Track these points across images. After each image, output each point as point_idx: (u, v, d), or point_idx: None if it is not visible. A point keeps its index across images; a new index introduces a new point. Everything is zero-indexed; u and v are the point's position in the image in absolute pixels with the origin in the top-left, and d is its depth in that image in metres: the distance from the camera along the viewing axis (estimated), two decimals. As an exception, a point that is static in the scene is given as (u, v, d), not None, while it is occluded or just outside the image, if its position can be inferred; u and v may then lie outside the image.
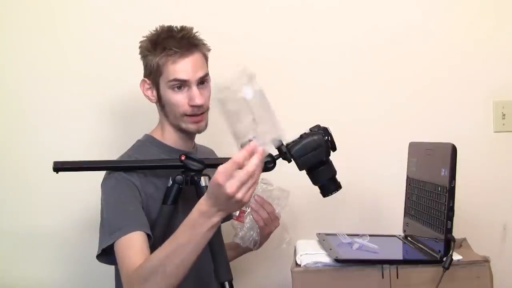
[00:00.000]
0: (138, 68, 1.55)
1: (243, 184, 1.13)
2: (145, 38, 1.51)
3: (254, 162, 1.13)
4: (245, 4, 1.95)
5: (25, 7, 1.85)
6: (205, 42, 1.53)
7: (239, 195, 1.13)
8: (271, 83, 1.93)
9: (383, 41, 1.99)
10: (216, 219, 1.18)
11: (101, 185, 1.46)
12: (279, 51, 1.95)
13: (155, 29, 1.51)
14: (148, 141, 1.55)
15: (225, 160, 1.47)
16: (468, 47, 2.03)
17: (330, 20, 1.99)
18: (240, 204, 1.16)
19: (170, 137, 1.54)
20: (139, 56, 1.53)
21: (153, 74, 1.49)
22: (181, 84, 1.47)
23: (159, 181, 1.47)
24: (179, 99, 1.47)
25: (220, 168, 1.12)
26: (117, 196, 1.42)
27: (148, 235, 1.36)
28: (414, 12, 2.02)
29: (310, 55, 1.96)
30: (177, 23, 1.52)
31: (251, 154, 1.13)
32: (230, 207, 1.17)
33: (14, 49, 1.85)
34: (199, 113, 1.49)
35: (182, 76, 1.46)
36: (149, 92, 1.53)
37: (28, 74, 1.84)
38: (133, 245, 1.32)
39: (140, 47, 1.52)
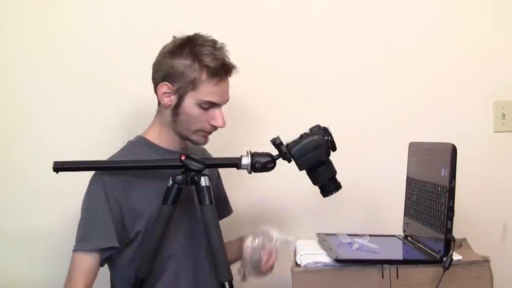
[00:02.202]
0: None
1: None
2: (179, 43, 1.46)
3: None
4: (245, 4, 1.95)
5: (26, 6, 1.84)
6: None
7: None
8: (271, 83, 1.95)
9: (383, 41, 1.99)
10: None
11: (88, 183, 1.47)
12: (279, 51, 1.94)
13: (188, 36, 1.46)
14: (139, 142, 1.54)
15: (223, 159, 1.49)
16: (468, 47, 2.03)
17: (330, 20, 1.99)
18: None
19: (167, 140, 1.53)
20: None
21: (183, 83, 1.44)
22: (210, 106, 1.46)
23: (150, 182, 1.47)
24: (202, 116, 1.47)
25: None
26: (91, 207, 1.45)
27: (111, 248, 1.42)
28: (414, 12, 2.01)
29: (310, 54, 1.96)
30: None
31: None
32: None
33: (14, 49, 1.85)
34: (213, 131, 1.52)
35: (216, 99, 1.46)
36: (167, 96, 1.47)
37: (28, 74, 1.84)
38: (83, 269, 1.42)
39: (172, 49, 1.46)
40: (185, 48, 1.45)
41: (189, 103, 1.45)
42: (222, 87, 1.47)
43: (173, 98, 1.46)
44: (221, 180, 1.76)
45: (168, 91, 1.46)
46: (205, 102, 1.45)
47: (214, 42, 1.47)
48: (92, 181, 1.46)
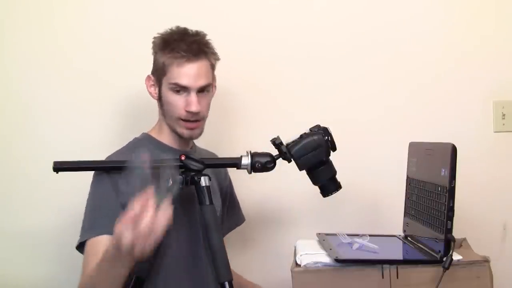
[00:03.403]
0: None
1: (138, 238, 1.10)
2: (159, 36, 1.51)
3: (145, 223, 1.10)
4: (245, 3, 1.95)
5: (27, 5, 1.84)
6: (215, 51, 1.52)
7: (136, 250, 1.11)
8: (271, 83, 1.95)
9: (383, 40, 1.99)
10: (129, 258, 1.20)
11: (91, 182, 1.48)
12: (279, 51, 1.94)
13: (170, 28, 1.51)
14: (145, 139, 1.56)
15: (223, 159, 1.49)
16: (468, 47, 2.03)
17: (330, 20, 1.99)
18: (136, 255, 1.14)
19: (167, 137, 1.55)
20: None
21: (158, 72, 1.50)
22: (181, 89, 1.47)
23: (153, 180, 1.47)
24: (177, 102, 1.48)
25: (124, 216, 1.11)
26: (97, 195, 1.45)
27: None
28: (414, 11, 2.01)
29: (310, 54, 1.96)
30: (179, 22, 1.52)
31: (146, 203, 1.11)
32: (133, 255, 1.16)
33: (15, 48, 1.85)
34: (193, 119, 1.49)
35: (183, 82, 1.46)
36: (152, 89, 1.54)
37: (28, 74, 1.84)
38: (97, 252, 1.36)
39: (152, 43, 1.52)
40: (163, 39, 1.51)
41: (165, 89, 1.49)
42: (189, 69, 1.46)
43: (157, 90, 1.52)
44: (233, 188, 1.77)
45: (152, 83, 1.53)
46: (174, 84, 1.47)
47: (187, 29, 1.51)
48: (98, 174, 1.47)
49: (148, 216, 1.10)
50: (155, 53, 1.52)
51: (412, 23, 2.01)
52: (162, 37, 1.50)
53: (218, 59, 1.54)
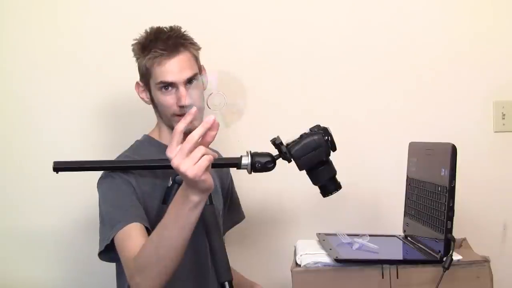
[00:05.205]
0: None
1: (184, 155, 1.14)
2: (136, 41, 1.52)
3: (196, 132, 1.16)
4: (244, 4, 1.95)
5: (26, 6, 1.84)
6: (193, 41, 1.52)
7: (182, 168, 1.14)
8: (271, 82, 1.95)
9: (382, 40, 1.99)
10: (193, 197, 1.20)
11: (97, 184, 1.47)
12: (279, 50, 1.95)
13: (144, 31, 1.51)
14: (146, 141, 1.57)
15: (223, 159, 1.49)
16: (468, 47, 2.03)
17: (330, 19, 1.99)
18: (192, 180, 1.15)
19: (167, 137, 1.54)
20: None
21: (144, 77, 1.51)
22: (169, 85, 1.48)
23: (157, 180, 1.47)
24: (168, 100, 1.48)
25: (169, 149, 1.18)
26: (114, 193, 1.44)
27: (146, 228, 1.38)
28: (414, 10, 2.01)
29: (310, 54, 1.96)
30: (177, 20, 1.52)
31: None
32: (192, 184, 1.18)
33: (14, 49, 1.85)
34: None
35: (168, 78, 1.46)
36: (143, 95, 1.55)
37: (28, 74, 1.85)
38: (131, 236, 1.34)
39: (132, 50, 1.53)
40: (140, 43, 1.51)
41: (154, 91, 1.50)
42: (171, 65, 1.46)
43: (147, 94, 1.53)
44: (234, 186, 1.77)
45: (142, 88, 1.54)
46: (161, 83, 1.47)
47: (160, 28, 1.50)
48: (106, 176, 1.46)
49: (193, 133, 1.16)
50: (136, 59, 1.52)
51: (412, 22, 2.01)
52: (139, 42, 1.51)
53: (198, 48, 1.54)
